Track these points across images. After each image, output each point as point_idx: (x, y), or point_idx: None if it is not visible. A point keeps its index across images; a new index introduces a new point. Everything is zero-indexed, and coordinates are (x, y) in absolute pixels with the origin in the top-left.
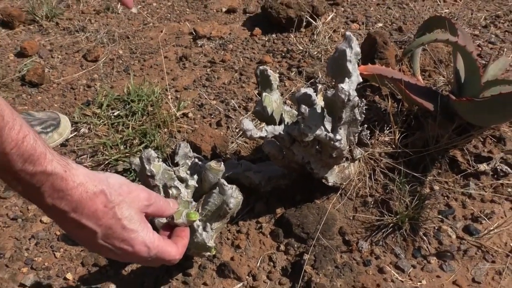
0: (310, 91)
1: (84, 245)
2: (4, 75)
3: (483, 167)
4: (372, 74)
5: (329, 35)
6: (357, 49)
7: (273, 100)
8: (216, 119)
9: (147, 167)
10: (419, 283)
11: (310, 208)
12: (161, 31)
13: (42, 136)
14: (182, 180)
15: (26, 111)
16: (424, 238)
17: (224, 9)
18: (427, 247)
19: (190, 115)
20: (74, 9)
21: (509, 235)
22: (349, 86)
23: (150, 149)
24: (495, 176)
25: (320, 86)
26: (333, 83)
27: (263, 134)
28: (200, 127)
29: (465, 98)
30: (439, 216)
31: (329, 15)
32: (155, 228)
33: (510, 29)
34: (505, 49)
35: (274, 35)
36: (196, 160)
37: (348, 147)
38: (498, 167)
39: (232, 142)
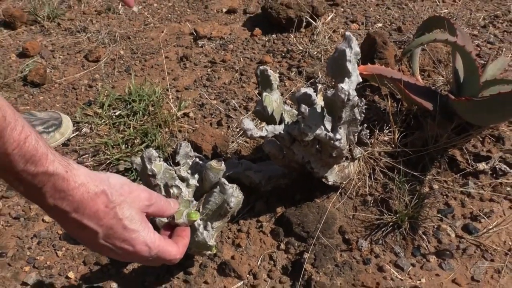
0: (310, 91)
1: (86, 245)
2: (6, 75)
3: (482, 166)
4: (372, 74)
5: (329, 35)
6: (356, 49)
7: (273, 100)
8: (216, 119)
9: (149, 166)
10: (418, 282)
11: (310, 207)
12: (162, 32)
13: (44, 135)
14: (183, 179)
15: (28, 111)
16: (424, 236)
17: (224, 10)
18: (427, 245)
19: (191, 114)
20: (76, 10)
21: (508, 234)
22: (348, 86)
23: (151, 148)
24: (494, 175)
25: (320, 86)
26: (333, 83)
27: (264, 133)
28: (201, 126)
29: (464, 97)
30: (438, 215)
31: (328, 16)
32: (157, 227)
33: (508, 29)
34: (504, 49)
35: (274, 35)
36: (197, 159)
37: (348, 146)
38: (497, 166)
39: (233, 142)
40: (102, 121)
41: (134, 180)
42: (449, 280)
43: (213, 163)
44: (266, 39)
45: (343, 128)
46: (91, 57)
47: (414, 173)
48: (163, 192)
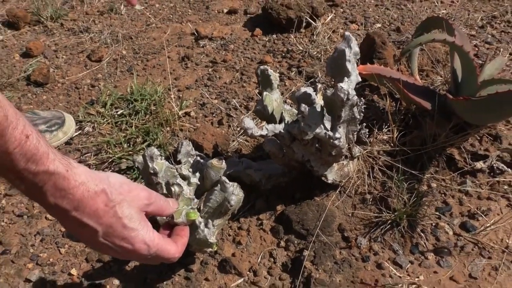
0: (310, 90)
1: (86, 243)
2: (10, 75)
3: (479, 165)
4: (371, 73)
5: (329, 35)
6: (356, 49)
7: (273, 99)
8: (217, 118)
9: (150, 165)
10: (416, 279)
11: (309, 205)
12: (164, 32)
13: (47, 134)
14: (184, 177)
15: (32, 110)
16: (422, 234)
17: (225, 10)
18: (425, 243)
19: (192, 114)
20: (78, 10)
21: (505, 232)
22: (348, 86)
23: (153, 147)
24: (492, 173)
25: (319, 86)
26: (333, 82)
27: (264, 132)
28: (202, 125)
29: (462, 97)
30: (436, 213)
31: (328, 16)
32: (157, 225)
33: (506, 29)
34: (502, 49)
35: (274, 36)
36: (198, 158)
37: (347, 145)
38: (494, 165)
39: (233, 141)
40: (105, 120)
41: (136, 179)
42: (447, 277)
43: (214, 161)
44: (267, 39)
45: (342, 127)
46: (93, 57)
47: (413, 172)
48: (164, 190)
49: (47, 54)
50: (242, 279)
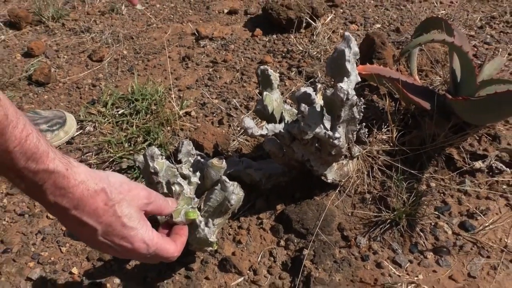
0: (309, 90)
1: (85, 242)
2: (12, 74)
3: (478, 164)
4: (370, 73)
5: (328, 35)
6: (355, 49)
7: (273, 99)
8: (218, 118)
9: (151, 164)
10: (415, 278)
11: (309, 204)
12: (165, 32)
13: (48, 134)
14: (184, 177)
15: (33, 110)
16: (421, 234)
17: (226, 11)
18: (424, 242)
19: (193, 113)
20: (80, 10)
21: (503, 231)
22: (347, 86)
23: (153, 146)
24: (490, 173)
25: (319, 86)
26: (332, 82)
27: (264, 132)
28: (203, 125)
29: (461, 97)
30: (435, 213)
31: (328, 16)
32: (158, 224)
33: (505, 30)
34: (500, 49)
35: (274, 36)
36: (199, 157)
37: (346, 145)
38: (493, 165)
39: (234, 140)
40: (106, 119)
41: (136, 178)
42: (446, 277)
43: (214, 161)
44: (267, 40)
45: (342, 127)
46: (94, 57)
47: (412, 171)
48: (165, 190)
49: (48, 54)
50: (242, 278)
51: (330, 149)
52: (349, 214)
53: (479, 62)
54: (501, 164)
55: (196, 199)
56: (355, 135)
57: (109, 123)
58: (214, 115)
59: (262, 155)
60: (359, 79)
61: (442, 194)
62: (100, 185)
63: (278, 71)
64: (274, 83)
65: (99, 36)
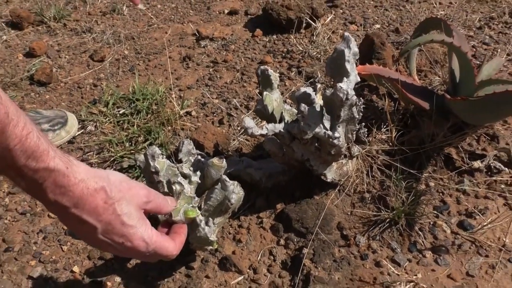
0: (309, 90)
1: (85, 240)
2: (14, 74)
3: (477, 164)
4: (370, 74)
5: (328, 36)
6: (355, 49)
7: (273, 99)
8: (218, 117)
9: (152, 163)
10: (414, 277)
11: (309, 203)
12: (165, 32)
13: (50, 133)
14: (185, 176)
15: (35, 110)
16: (420, 233)
17: (226, 11)
18: (423, 241)
19: (193, 113)
20: (81, 11)
21: (502, 230)
22: (347, 86)
23: (154, 146)
24: (489, 173)
25: (319, 86)
26: (332, 82)
27: (264, 131)
28: (203, 125)
29: (460, 97)
30: (434, 212)
31: (328, 17)
32: (158, 223)
33: (503, 30)
34: (499, 50)
35: (274, 36)
36: (199, 157)
37: (346, 144)
38: (491, 164)
39: (234, 140)
40: (107, 119)
41: (137, 177)
42: (444, 275)
43: (215, 160)
44: (267, 40)
45: (341, 127)
46: (96, 57)
47: (411, 171)
48: (165, 189)
49: (50, 54)
50: (242, 277)
51: (330, 149)
52: (349, 213)
53: (478, 62)
54: (500, 164)
55: (196, 198)
56: (354, 135)
57: (110, 122)
58: (214, 115)
59: (262, 155)
60: (359, 79)
61: (441, 194)
62: (100, 184)
63: (278, 71)
64: (274, 83)
65: (101, 36)
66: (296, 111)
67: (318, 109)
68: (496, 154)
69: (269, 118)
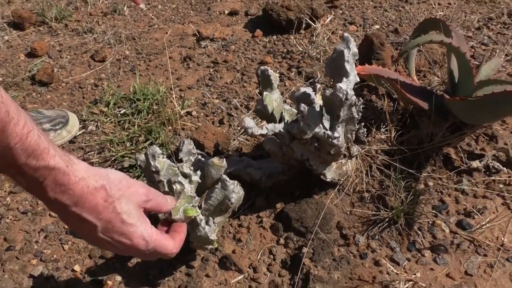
0: (309, 90)
1: (85, 239)
2: (15, 74)
3: (475, 164)
4: (369, 74)
5: (328, 36)
6: (354, 50)
7: (273, 99)
8: (218, 117)
9: (152, 163)
10: (413, 276)
11: (309, 203)
12: (166, 33)
13: (51, 133)
14: (185, 175)
15: (36, 109)
16: (419, 232)
17: (226, 12)
18: (422, 241)
19: (194, 113)
20: (82, 11)
21: (500, 230)
22: (346, 86)
23: (155, 146)
24: (487, 172)
25: (319, 86)
26: (332, 82)
27: (264, 131)
28: (203, 125)
29: (458, 97)
30: (433, 211)
31: (327, 17)
32: (157, 221)
33: (502, 31)
34: (498, 50)
35: (274, 37)
36: (199, 156)
37: (345, 144)
38: (490, 164)
39: (234, 140)
40: (108, 119)
41: (138, 177)
42: (443, 274)
43: (215, 160)
44: (267, 40)
45: (341, 127)
46: (97, 57)
47: (410, 171)
48: (166, 188)
49: (51, 54)
50: (242, 276)
51: (329, 149)
52: (348, 212)
53: (477, 62)
54: (498, 164)
55: (196, 198)
56: (354, 135)
57: (111, 122)
58: (214, 114)
59: (262, 155)
60: (358, 80)
61: (439, 193)
62: (100, 182)
63: (278, 71)
64: (274, 83)
65: (102, 37)
66: (296, 111)
67: (317, 109)
68: (494, 154)
69: (269, 118)
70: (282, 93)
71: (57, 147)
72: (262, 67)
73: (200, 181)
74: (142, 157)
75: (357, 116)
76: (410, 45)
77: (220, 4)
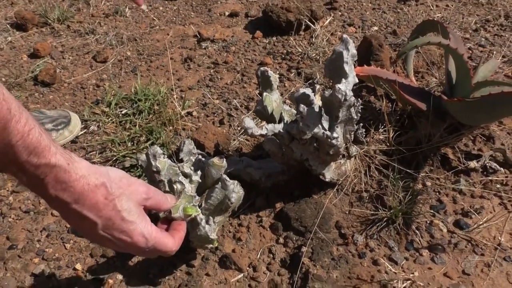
0: (308, 91)
1: (86, 236)
2: (18, 75)
3: (473, 164)
4: (368, 75)
5: (327, 38)
6: (353, 51)
7: (273, 100)
8: (219, 118)
9: (153, 163)
10: (411, 275)
11: (308, 203)
12: (167, 34)
13: (53, 133)
14: (186, 175)
15: (38, 110)
16: (417, 231)
17: (227, 13)
18: (419, 240)
19: (194, 113)
20: (85, 13)
21: (497, 229)
22: (345, 87)
23: (156, 146)
24: (485, 173)
25: (318, 87)
26: (331, 83)
27: (264, 132)
28: (204, 125)
29: (456, 98)
30: (431, 211)
31: (327, 19)
32: (157, 220)
33: (499, 32)
34: (495, 52)
35: (274, 38)
36: (200, 156)
37: (344, 144)
38: (487, 164)
39: (234, 140)
40: (109, 119)
41: (139, 176)
42: (441, 274)
43: (215, 160)
44: (267, 42)
45: (340, 127)
46: (99, 58)
47: (408, 171)
48: (167, 188)
49: (54, 55)
50: (242, 275)
51: (328, 149)
52: (347, 212)
53: (474, 64)
54: (495, 164)
55: (197, 197)
56: (352, 135)
57: (113, 122)
58: (215, 115)
59: (262, 155)
60: (357, 81)
61: (437, 193)
62: (101, 180)
63: (277, 72)
64: (273, 84)
65: (103, 38)
66: (295, 111)
67: (317, 109)
68: (491, 154)
69: (269, 118)
70: (281, 94)
71: (58, 145)
72: (262, 68)
73: (200, 180)
74: (143, 157)
75: (355, 117)
76: (408, 47)
77: (220, 6)
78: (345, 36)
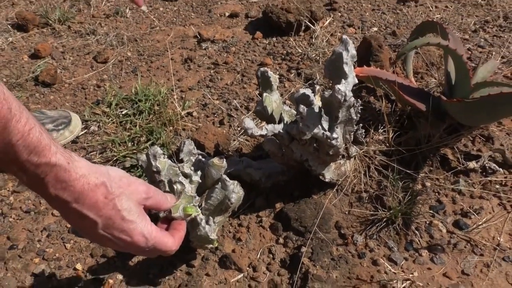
0: (308, 91)
1: (86, 235)
2: (19, 75)
3: (472, 164)
4: (368, 76)
5: (327, 38)
6: (353, 52)
7: (273, 100)
8: (219, 118)
9: (153, 163)
10: (411, 275)
11: (308, 203)
12: (168, 35)
13: (54, 133)
14: (186, 175)
15: (39, 110)
16: (416, 232)
17: (227, 14)
18: (419, 240)
19: (195, 114)
20: (85, 13)
21: (496, 230)
22: (345, 87)
23: (156, 146)
24: (484, 173)
25: (318, 87)
26: (330, 84)
27: (264, 132)
28: (204, 125)
29: (455, 99)
30: (430, 211)
31: (326, 20)
32: (157, 219)
33: (498, 33)
34: (494, 53)
35: (274, 39)
36: (200, 157)
37: (344, 145)
38: (486, 165)
39: (234, 140)
40: (110, 119)
41: (139, 177)
42: (440, 274)
43: (215, 160)
44: (267, 42)
45: (339, 128)
46: (99, 59)
47: (408, 171)
48: (167, 188)
49: (54, 55)
50: (242, 275)
51: (328, 149)
52: (346, 212)
53: (473, 65)
54: (494, 164)
55: (197, 198)
56: (352, 136)
57: (113, 123)
58: (215, 115)
59: (262, 155)
60: (357, 81)
61: (437, 194)
62: (101, 179)
63: (277, 73)
64: (273, 85)
65: (104, 38)
66: (295, 112)
67: (316, 110)
68: (491, 155)
69: (269, 119)
70: (281, 94)
71: (58, 145)
72: (262, 69)
73: (200, 181)
74: (143, 157)
75: (355, 117)
76: (408, 47)
77: (220, 7)
78: (344, 36)
